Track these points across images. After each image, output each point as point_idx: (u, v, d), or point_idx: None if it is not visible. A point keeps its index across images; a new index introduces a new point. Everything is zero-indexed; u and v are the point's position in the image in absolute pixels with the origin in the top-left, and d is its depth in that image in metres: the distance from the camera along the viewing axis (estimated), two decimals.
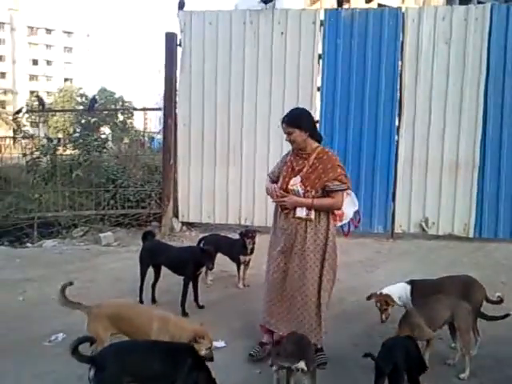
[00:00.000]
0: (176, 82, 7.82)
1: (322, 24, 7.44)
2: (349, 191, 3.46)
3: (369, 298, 3.55)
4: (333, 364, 3.34)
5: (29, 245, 7.19)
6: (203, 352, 2.89)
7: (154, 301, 4.57)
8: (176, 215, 7.83)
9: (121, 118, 40.79)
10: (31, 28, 64.02)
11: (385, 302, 3.41)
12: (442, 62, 7.21)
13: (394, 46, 7.31)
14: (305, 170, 3.33)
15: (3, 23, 62.24)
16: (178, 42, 7.76)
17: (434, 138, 7.28)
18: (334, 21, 7.41)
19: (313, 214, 3.31)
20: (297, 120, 3.36)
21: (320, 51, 7.49)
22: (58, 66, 65.19)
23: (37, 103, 10.22)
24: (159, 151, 9.49)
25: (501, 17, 7.09)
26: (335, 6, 7.84)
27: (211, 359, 2.92)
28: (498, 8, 7.20)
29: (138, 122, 42.07)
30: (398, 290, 3.55)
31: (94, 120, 30.82)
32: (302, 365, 2.69)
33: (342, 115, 7.45)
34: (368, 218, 7.39)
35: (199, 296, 4.49)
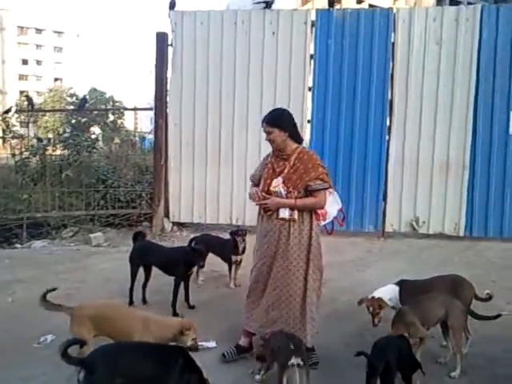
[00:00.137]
0: (167, 81, 7.79)
1: (313, 24, 7.44)
2: (331, 190, 3.46)
3: (360, 302, 3.52)
4: (324, 364, 3.33)
5: (18, 245, 7.12)
6: (189, 343, 2.97)
7: (144, 301, 4.54)
8: (167, 215, 7.79)
9: (111, 117, 40.56)
10: (21, 28, 63.45)
11: (378, 305, 3.38)
12: (432, 63, 7.25)
13: (385, 47, 7.34)
14: (286, 170, 3.32)
15: None
16: (169, 42, 7.73)
17: (424, 137, 7.32)
18: (325, 21, 7.42)
19: (296, 215, 3.30)
20: (277, 120, 3.36)
21: (311, 51, 7.49)
22: (47, 66, 64.65)
23: (26, 103, 10.08)
24: (150, 151, 9.44)
25: (491, 17, 7.14)
26: (327, 6, 7.84)
27: (196, 349, 3.01)
28: (488, 9, 7.26)
29: (128, 121, 41.84)
30: (388, 292, 3.54)
31: (84, 120, 30.62)
32: (298, 360, 2.70)
33: (333, 115, 7.46)
34: (359, 217, 7.43)
35: (190, 296, 4.46)
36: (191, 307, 4.40)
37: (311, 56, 7.52)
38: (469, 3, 32.00)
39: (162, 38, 7.74)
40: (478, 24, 7.15)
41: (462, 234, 7.34)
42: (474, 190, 7.27)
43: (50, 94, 47.55)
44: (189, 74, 7.67)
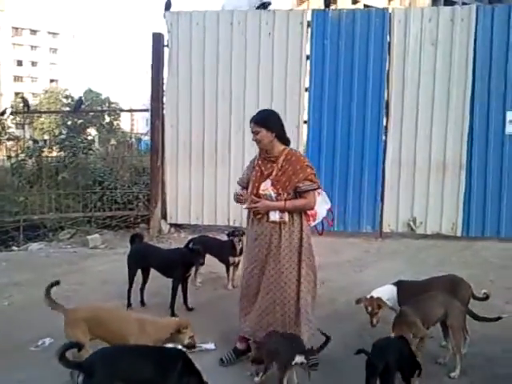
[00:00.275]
0: (163, 82, 7.78)
1: (309, 25, 7.45)
2: (320, 190, 3.46)
3: (358, 301, 3.52)
4: (324, 365, 3.31)
5: (15, 248, 7.10)
6: (186, 341, 3.01)
7: (143, 304, 4.53)
8: (164, 217, 7.78)
9: (107, 119, 40.47)
10: (16, 29, 63.16)
11: (377, 305, 3.37)
12: (428, 63, 7.27)
13: (381, 47, 7.35)
14: (274, 173, 3.31)
15: None
16: (165, 43, 7.71)
17: (421, 137, 7.33)
18: (321, 21, 7.43)
19: (286, 217, 3.29)
20: (264, 120, 3.36)
21: (308, 52, 7.49)
22: (43, 67, 64.40)
23: (22, 105, 10.06)
24: (146, 153, 9.42)
25: (486, 18, 7.16)
26: (322, 7, 7.85)
27: (194, 347, 3.08)
28: (483, 9, 7.28)
29: (124, 123, 41.76)
30: (386, 293, 3.53)
31: (80, 121, 30.55)
32: (301, 359, 2.72)
33: (329, 115, 7.47)
34: (356, 217, 7.44)
35: (188, 298, 4.45)
36: (190, 309, 4.38)
37: (307, 56, 7.52)
38: (463, 3, 32.13)
39: (157, 39, 7.73)
40: (474, 24, 7.17)
41: (459, 234, 7.35)
42: (471, 190, 7.28)
43: (45, 96, 47.33)
44: (185, 75, 7.66)
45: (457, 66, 7.21)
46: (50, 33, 65.59)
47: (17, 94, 52.10)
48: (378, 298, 3.41)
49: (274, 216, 3.28)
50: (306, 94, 7.55)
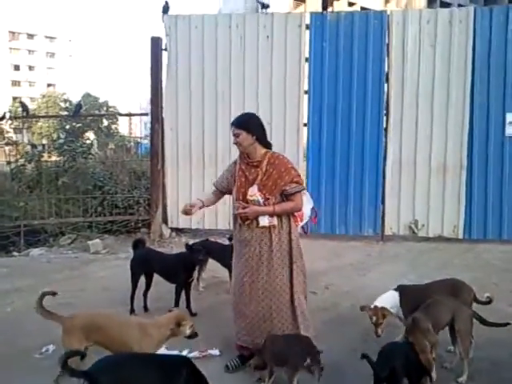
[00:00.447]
0: (162, 86, 7.77)
1: (307, 27, 7.45)
2: (304, 191, 3.47)
3: (362, 309, 3.46)
4: (329, 369, 3.28)
5: (15, 253, 7.07)
6: (188, 331, 3.01)
7: (146, 309, 4.51)
8: (165, 221, 7.75)
9: (105, 123, 40.40)
10: (12, 33, 63.12)
11: (382, 315, 3.30)
12: (427, 64, 7.27)
13: (380, 49, 7.36)
14: (259, 178, 3.30)
15: None
16: (164, 47, 7.70)
17: (421, 139, 7.32)
18: (319, 24, 7.43)
19: (275, 220, 3.30)
20: (244, 123, 3.37)
21: (306, 54, 7.49)
22: (40, 72, 64.30)
23: (20, 109, 10.04)
24: (145, 156, 9.40)
25: (484, 19, 7.17)
26: (319, 9, 7.85)
27: (196, 335, 3.08)
28: (481, 10, 7.30)
29: (123, 127, 41.66)
30: (390, 300, 3.47)
31: (78, 125, 30.48)
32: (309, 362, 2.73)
33: (329, 118, 7.46)
34: (358, 220, 7.44)
35: (192, 303, 4.44)
36: (193, 314, 4.35)
37: (306, 59, 7.52)
38: (459, 5, 32.24)
39: (156, 43, 7.73)
40: (472, 26, 7.17)
41: (460, 236, 7.33)
42: (472, 192, 7.27)
43: (43, 100, 47.28)
44: (184, 78, 7.66)
45: (456, 67, 7.22)
46: (47, 37, 65.56)
47: (14, 98, 52.07)
48: (383, 308, 3.35)
49: (264, 221, 3.28)
50: (306, 97, 7.55)
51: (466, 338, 3.15)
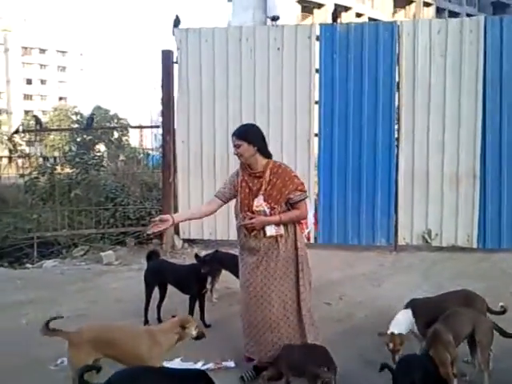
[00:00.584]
0: (173, 98, 7.83)
1: (317, 38, 7.49)
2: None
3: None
4: (344, 381, 3.26)
5: (29, 265, 7.12)
6: (194, 332, 3.01)
7: (159, 320, 4.47)
8: (177, 232, 7.77)
9: (116, 135, 40.82)
10: (25, 48, 64.27)
11: (400, 342, 3.20)
12: (438, 74, 7.25)
13: (391, 60, 7.35)
14: (263, 188, 3.32)
15: None
16: (175, 60, 7.78)
17: (433, 149, 7.28)
18: (329, 35, 7.45)
19: (282, 230, 3.32)
20: (245, 133, 3.40)
21: (317, 65, 7.52)
22: (52, 85, 65.32)
23: (33, 122, 10.20)
24: (156, 168, 9.46)
25: (495, 28, 7.14)
26: (326, 21, 7.90)
27: (203, 335, 3.09)
28: (491, 20, 7.28)
29: (133, 138, 42.02)
30: (404, 321, 3.38)
31: (89, 138, 30.85)
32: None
33: (340, 128, 7.45)
34: (370, 230, 7.38)
35: (205, 314, 4.43)
36: (207, 326, 4.34)
37: (316, 70, 7.55)
38: (468, 15, 32.28)
39: (167, 56, 7.81)
40: (483, 35, 7.15)
41: (475, 245, 7.24)
42: (486, 201, 7.18)
43: (54, 113, 47.96)
44: (195, 91, 7.70)
45: (467, 76, 7.18)
46: (58, 51, 66.64)
47: (26, 112, 52.89)
48: (401, 335, 3.24)
49: (271, 231, 3.29)
50: (316, 108, 7.57)
51: (487, 350, 3.09)
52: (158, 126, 9.04)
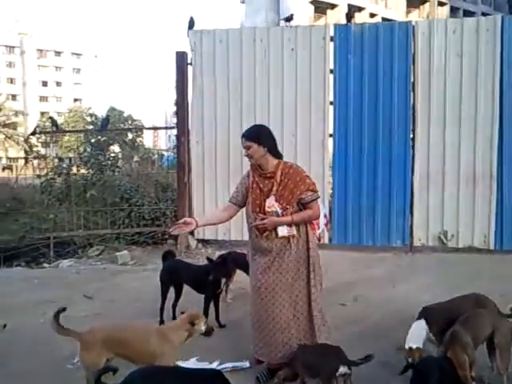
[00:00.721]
0: (187, 99, 7.87)
1: (331, 39, 7.46)
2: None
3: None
4: (360, 382, 3.25)
5: (45, 265, 7.22)
6: (203, 328, 3.03)
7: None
8: (191, 233, 7.79)
9: (130, 136, 41.15)
10: (41, 51, 65.24)
11: (419, 356, 3.15)
12: (454, 75, 7.18)
13: (406, 60, 7.29)
14: (275, 188, 3.30)
15: (14, 47, 63.61)
16: (189, 61, 7.82)
17: (449, 150, 7.21)
18: (344, 36, 7.42)
19: (294, 230, 3.30)
20: (255, 134, 3.40)
21: (331, 66, 7.50)
22: (67, 87, 66.19)
23: (49, 124, 10.32)
24: (171, 168, 9.51)
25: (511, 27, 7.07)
26: (340, 21, 7.88)
27: (212, 330, 3.15)
28: (508, 19, 7.18)
29: (147, 139, 42.37)
30: (419, 333, 3.32)
31: (103, 139, 31.12)
32: (345, 369, 2.76)
33: (355, 128, 7.41)
34: (386, 231, 7.33)
35: (220, 314, 4.45)
36: (222, 326, 4.36)
37: (331, 70, 7.52)
38: (483, 14, 31.91)
39: (181, 57, 7.84)
40: (499, 34, 7.07)
41: (491, 246, 7.15)
42: (503, 202, 7.09)
43: (70, 115, 48.57)
44: (209, 92, 7.73)
45: (484, 76, 7.10)
46: (73, 54, 67.52)
47: (42, 113, 53.56)
48: (418, 349, 3.20)
49: (283, 231, 3.28)
50: (331, 108, 7.54)
51: (506, 353, 3.05)
52: (172, 127, 9.10)
